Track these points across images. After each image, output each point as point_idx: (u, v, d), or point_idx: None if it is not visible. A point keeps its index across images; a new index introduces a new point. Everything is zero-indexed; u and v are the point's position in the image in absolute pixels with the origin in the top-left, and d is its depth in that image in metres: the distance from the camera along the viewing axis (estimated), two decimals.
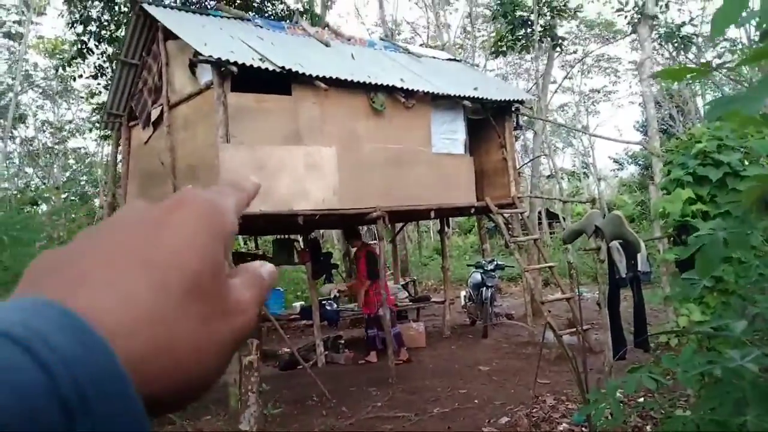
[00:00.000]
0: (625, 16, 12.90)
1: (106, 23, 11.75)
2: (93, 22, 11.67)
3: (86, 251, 0.30)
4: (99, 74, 12.65)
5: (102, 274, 0.28)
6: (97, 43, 11.81)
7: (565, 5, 14.85)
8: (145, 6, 7.73)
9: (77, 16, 11.72)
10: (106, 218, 0.34)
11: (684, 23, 14.57)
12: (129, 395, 0.24)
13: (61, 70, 13.93)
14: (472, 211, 9.32)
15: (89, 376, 0.23)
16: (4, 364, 0.22)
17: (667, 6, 13.71)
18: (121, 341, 0.26)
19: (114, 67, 11.09)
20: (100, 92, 13.64)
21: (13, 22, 23.02)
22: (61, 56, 14.28)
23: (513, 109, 9.37)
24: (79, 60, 12.26)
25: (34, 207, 13.49)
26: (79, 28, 11.82)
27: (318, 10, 13.75)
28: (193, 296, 0.29)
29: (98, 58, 12.56)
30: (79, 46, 11.86)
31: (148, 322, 0.27)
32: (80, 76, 13.62)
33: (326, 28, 9.96)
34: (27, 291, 0.29)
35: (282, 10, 12.78)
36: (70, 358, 0.23)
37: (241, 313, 0.32)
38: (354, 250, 8.97)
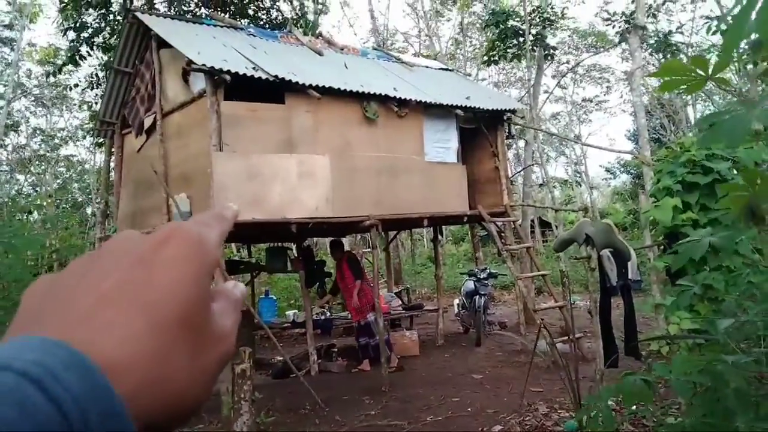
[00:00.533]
0: (613, 26, 13.03)
1: (100, 30, 11.71)
2: (87, 29, 11.63)
3: (84, 288, 0.32)
4: (95, 85, 12.60)
5: (102, 314, 0.30)
6: (89, 50, 11.76)
7: (552, 8, 15.00)
8: (138, 14, 7.75)
9: (71, 23, 11.68)
10: (100, 247, 0.36)
11: (671, 31, 14.73)
12: (127, 430, 0.27)
13: (51, 77, 13.82)
14: (465, 219, 9.35)
15: (95, 413, 0.25)
16: (25, 401, 0.24)
17: (655, 16, 13.86)
18: (120, 378, 0.28)
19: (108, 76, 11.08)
20: (97, 102, 13.61)
21: (4, 26, 22.93)
22: (53, 62, 14.20)
23: (505, 118, 9.44)
24: (70, 66, 12.20)
25: (28, 215, 13.43)
26: (72, 35, 11.78)
27: (310, 17, 13.79)
28: (185, 331, 0.31)
29: (95, 69, 12.52)
30: (71, 53, 11.81)
31: (144, 359, 0.29)
32: (76, 86, 13.55)
33: (319, 37, 10.01)
34: (28, 324, 0.31)
35: (276, 18, 12.81)
36: (79, 396, 0.25)
37: (224, 339, 0.35)
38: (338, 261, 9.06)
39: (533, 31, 14.51)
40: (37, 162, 25.47)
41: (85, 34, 11.60)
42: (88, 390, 0.26)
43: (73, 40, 11.79)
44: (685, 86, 1.47)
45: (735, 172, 4.79)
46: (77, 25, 11.54)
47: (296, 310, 11.85)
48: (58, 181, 26.92)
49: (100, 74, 12.33)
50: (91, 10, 11.65)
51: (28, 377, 0.25)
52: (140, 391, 0.29)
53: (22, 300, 0.33)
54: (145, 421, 0.29)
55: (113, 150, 9.06)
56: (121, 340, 0.29)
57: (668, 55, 14.81)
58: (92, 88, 12.86)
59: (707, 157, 4.75)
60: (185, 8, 11.79)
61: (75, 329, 0.29)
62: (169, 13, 10.26)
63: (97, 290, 0.31)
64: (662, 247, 5.56)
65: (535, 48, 14.68)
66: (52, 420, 0.24)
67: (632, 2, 11.62)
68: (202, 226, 0.37)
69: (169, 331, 0.31)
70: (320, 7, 14.28)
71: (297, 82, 7.00)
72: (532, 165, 16.24)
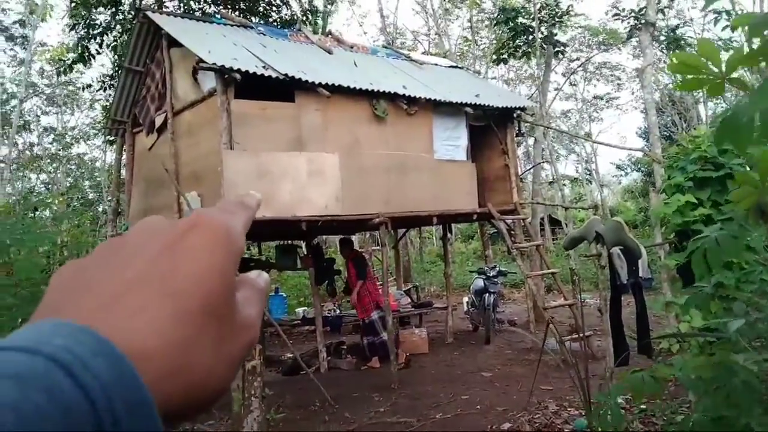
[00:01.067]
0: (622, 20, 12.97)
1: (109, 28, 11.75)
2: (96, 27, 11.66)
3: (110, 274, 0.32)
4: (108, 86, 12.64)
5: (128, 301, 0.30)
6: (99, 48, 11.79)
7: (557, 3, 14.95)
8: (149, 13, 7.79)
9: (79, 19, 11.71)
10: (126, 233, 0.35)
11: (678, 25, 14.63)
12: (154, 419, 0.27)
13: (63, 75, 13.84)
14: (475, 217, 9.34)
15: (121, 401, 0.25)
16: (54, 387, 0.24)
17: (663, 12, 13.79)
18: (144, 365, 0.28)
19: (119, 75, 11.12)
20: (109, 100, 13.66)
21: (15, 22, 23.12)
22: (63, 60, 14.22)
23: (515, 115, 9.41)
24: (80, 65, 12.23)
25: (35, 212, 13.53)
26: (81, 32, 11.80)
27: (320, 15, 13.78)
28: (209, 321, 0.31)
29: (108, 71, 12.57)
30: (81, 51, 11.84)
31: (169, 348, 0.30)
32: (89, 86, 13.60)
33: (329, 35, 10.02)
34: (55, 307, 0.31)
35: (285, 15, 12.80)
36: (106, 383, 0.25)
37: (248, 329, 0.34)
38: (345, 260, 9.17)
39: (542, 29, 14.45)
40: (48, 160, 25.68)
41: (94, 32, 11.63)
42: (116, 378, 0.26)
43: (81, 38, 11.82)
44: (704, 88, 1.44)
45: (748, 168, 4.75)
46: (86, 22, 11.57)
47: (306, 308, 11.91)
48: (70, 179, 27.13)
49: (113, 74, 12.38)
50: (101, 8, 11.69)
51: (57, 363, 0.25)
52: (163, 380, 0.29)
53: (50, 283, 0.33)
54: (166, 409, 0.29)
55: (124, 148, 9.12)
56: (146, 327, 0.29)
57: (677, 50, 14.73)
58: (104, 90, 12.90)
59: (720, 153, 4.73)
60: (195, 5, 11.81)
61: (101, 315, 0.29)
62: (179, 12, 10.31)
63: (123, 277, 0.31)
64: (673, 245, 5.53)
65: (544, 45, 14.62)
66: (80, 407, 0.24)
67: None
68: (228, 214, 0.37)
69: (194, 320, 0.31)
70: (329, 2, 14.26)
71: (307, 81, 7.01)
72: (542, 163, 16.18)
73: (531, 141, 19.14)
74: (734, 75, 1.43)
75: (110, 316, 0.29)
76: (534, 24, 14.20)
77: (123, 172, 9.45)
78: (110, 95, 12.83)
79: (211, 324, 0.31)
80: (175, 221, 0.35)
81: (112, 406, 0.25)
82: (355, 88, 7.49)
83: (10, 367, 0.24)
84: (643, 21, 10.66)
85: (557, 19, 14.87)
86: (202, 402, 0.31)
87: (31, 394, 0.23)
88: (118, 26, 11.69)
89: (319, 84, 7.11)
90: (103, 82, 12.70)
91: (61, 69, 12.92)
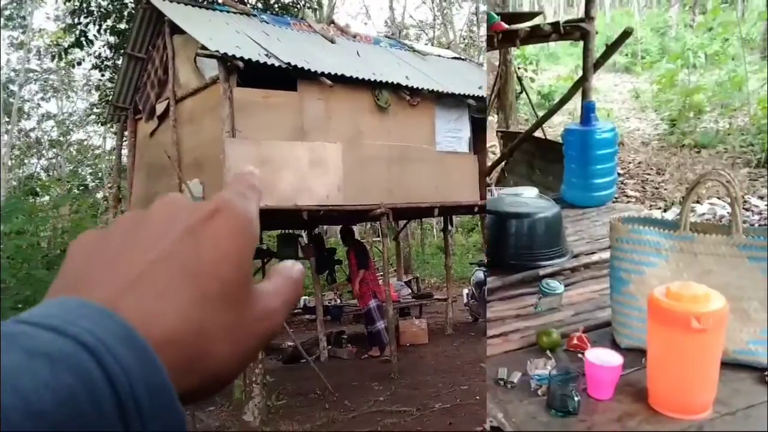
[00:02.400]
0: None
1: (108, 13, 11.67)
2: (92, 14, 11.59)
3: (133, 252, 0.32)
4: (103, 66, 12.58)
5: (151, 283, 0.30)
6: (97, 34, 11.71)
7: None
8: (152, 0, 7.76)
9: (76, 3, 11.63)
10: (146, 210, 0.36)
11: None
12: (175, 407, 0.27)
13: (59, 60, 13.73)
14: (476, 209, 9.34)
15: (144, 387, 0.25)
16: (80, 368, 0.24)
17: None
18: (164, 350, 0.28)
19: (116, 58, 11.07)
20: (106, 85, 13.56)
21: (12, 1, 22.94)
22: (60, 45, 14.09)
23: None
24: (76, 49, 12.15)
25: (34, 197, 13.48)
26: (82, 17, 11.72)
27: (325, 9, 13.69)
28: (226, 305, 0.31)
29: (100, 48, 12.48)
30: (78, 35, 11.76)
31: (189, 333, 0.30)
32: (78, 64, 13.50)
33: (332, 24, 9.99)
34: (77, 282, 0.31)
35: None
36: (129, 369, 0.25)
37: (267, 318, 0.34)
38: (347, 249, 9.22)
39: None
40: (48, 146, 25.60)
41: (91, 18, 11.56)
42: (138, 363, 0.26)
43: (77, 17, 11.72)
44: None
45: None
46: (82, 5, 11.49)
47: (307, 297, 11.93)
48: (71, 165, 27.06)
49: (108, 53, 12.31)
50: None
51: (82, 345, 0.25)
52: (182, 365, 0.29)
53: (69, 251, 0.33)
54: (181, 393, 0.29)
55: (126, 135, 9.11)
56: (167, 312, 0.30)
57: None
58: (100, 70, 12.84)
59: None
60: None
61: (124, 296, 0.30)
62: None
63: (146, 258, 0.31)
64: None
65: None
66: (104, 390, 0.24)
67: None
68: (245, 199, 0.37)
69: (212, 306, 0.31)
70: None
71: (309, 69, 7.00)
72: None
73: None
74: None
75: (133, 298, 0.30)
76: None
77: (124, 158, 9.44)
78: (103, 75, 12.80)
79: (227, 309, 0.32)
80: (197, 204, 0.35)
81: (133, 392, 0.25)
82: (357, 77, 7.48)
83: (41, 346, 0.24)
84: None
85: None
86: (212, 388, 0.32)
87: (62, 375, 0.23)
88: (116, 12, 11.62)
89: (322, 73, 7.10)
90: (97, 64, 12.63)
91: (57, 54, 12.86)
